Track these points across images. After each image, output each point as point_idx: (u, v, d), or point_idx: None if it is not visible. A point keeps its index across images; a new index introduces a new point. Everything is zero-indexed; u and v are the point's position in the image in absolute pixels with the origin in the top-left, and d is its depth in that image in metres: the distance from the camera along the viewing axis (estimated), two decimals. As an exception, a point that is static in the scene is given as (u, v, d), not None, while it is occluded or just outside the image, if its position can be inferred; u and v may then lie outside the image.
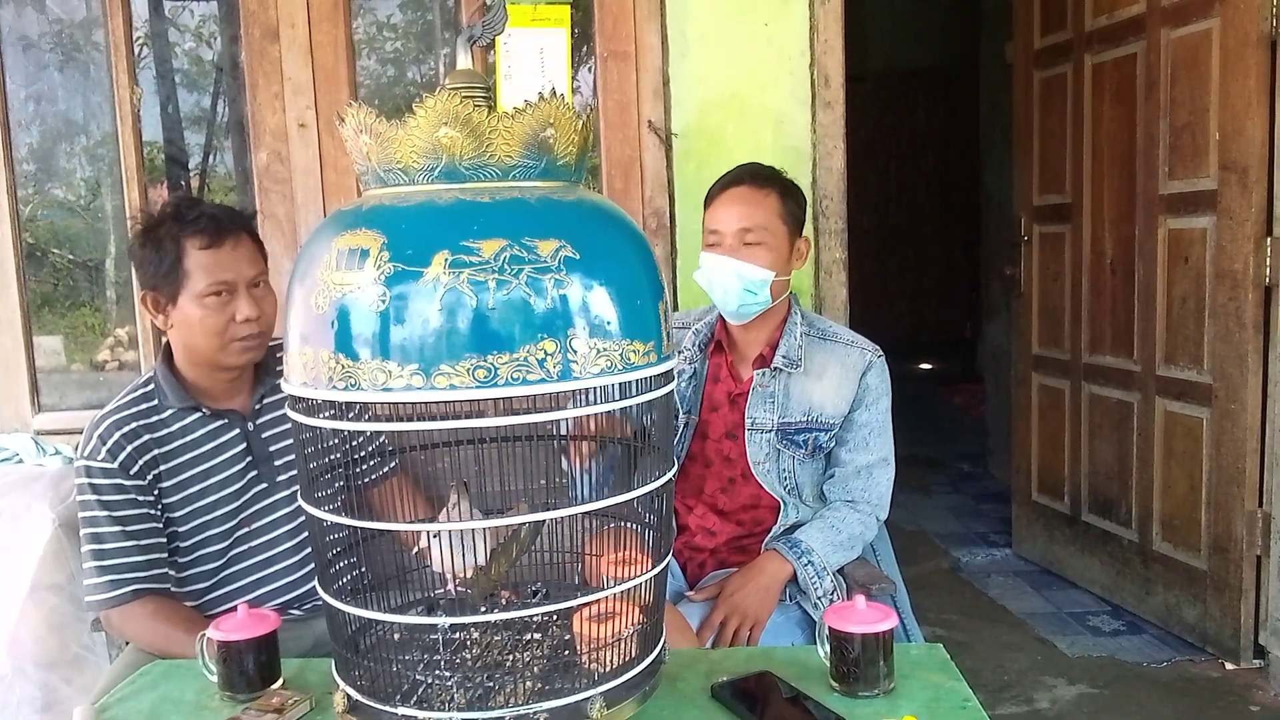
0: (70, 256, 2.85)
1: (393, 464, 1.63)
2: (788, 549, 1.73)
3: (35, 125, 2.73)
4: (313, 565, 1.66)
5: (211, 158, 3.11)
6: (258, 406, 1.71)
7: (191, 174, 3.08)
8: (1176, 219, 2.84)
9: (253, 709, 1.20)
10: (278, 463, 1.70)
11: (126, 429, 1.61)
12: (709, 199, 1.83)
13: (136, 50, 2.61)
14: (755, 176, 1.81)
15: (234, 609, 1.29)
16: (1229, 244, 2.64)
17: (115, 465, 1.59)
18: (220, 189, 3.07)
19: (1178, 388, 2.87)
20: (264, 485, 1.70)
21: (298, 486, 1.65)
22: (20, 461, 2.33)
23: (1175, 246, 2.85)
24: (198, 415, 1.66)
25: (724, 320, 1.86)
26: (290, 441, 1.63)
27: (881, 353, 1.85)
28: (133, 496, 1.60)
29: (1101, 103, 3.12)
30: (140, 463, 1.61)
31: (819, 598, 1.71)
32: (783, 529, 1.80)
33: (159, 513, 1.63)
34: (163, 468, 1.63)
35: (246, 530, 1.69)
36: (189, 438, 1.65)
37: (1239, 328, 2.63)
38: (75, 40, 2.73)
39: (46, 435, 2.46)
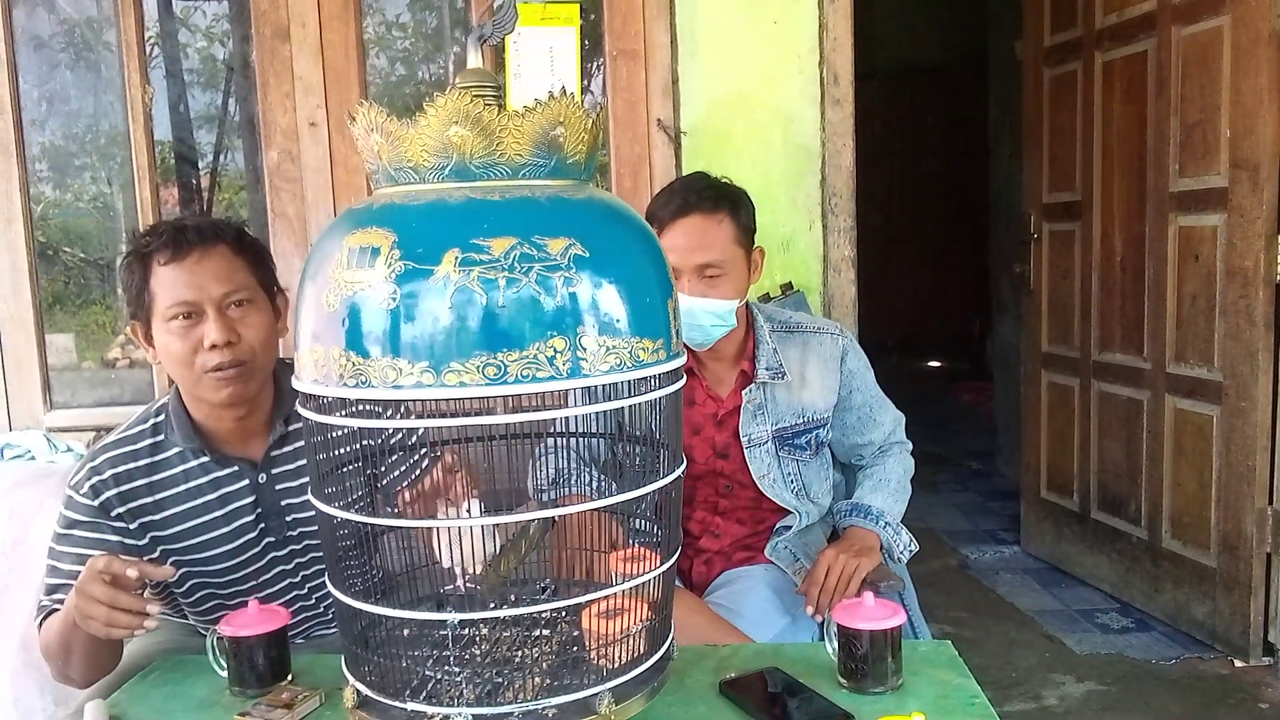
0: (81, 255, 2.87)
1: (426, 462, 1.55)
2: (863, 519, 1.79)
3: (47, 124, 2.75)
4: (320, 605, 1.61)
5: (222, 157, 3.13)
6: (273, 455, 1.52)
7: (202, 173, 3.09)
8: (1187, 216, 2.83)
9: (263, 704, 1.21)
10: (289, 517, 1.54)
11: (120, 469, 1.48)
12: (661, 222, 1.68)
13: (148, 49, 2.62)
14: (703, 199, 1.68)
15: (244, 605, 1.30)
16: (1240, 241, 2.63)
17: (95, 504, 1.47)
18: (231, 188, 3.09)
19: (1188, 385, 2.86)
20: (272, 539, 1.53)
21: (307, 542, 1.54)
22: (33, 459, 2.34)
23: (1185, 244, 2.84)
24: (203, 460, 1.50)
25: (687, 345, 1.83)
26: (304, 498, 1.48)
27: (845, 330, 1.91)
28: (106, 537, 1.46)
29: (1112, 100, 3.11)
30: (122, 510, 1.47)
31: (900, 554, 1.78)
32: (794, 533, 1.81)
33: (136, 554, 1.46)
34: (155, 516, 1.49)
35: (253, 584, 1.54)
36: (190, 484, 1.50)
37: (1249, 325, 2.62)
38: (86, 40, 2.74)
39: (58, 433, 2.47)
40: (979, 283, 5.83)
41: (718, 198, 1.70)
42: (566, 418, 1.15)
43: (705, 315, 1.68)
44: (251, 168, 2.83)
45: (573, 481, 1.65)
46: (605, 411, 0.98)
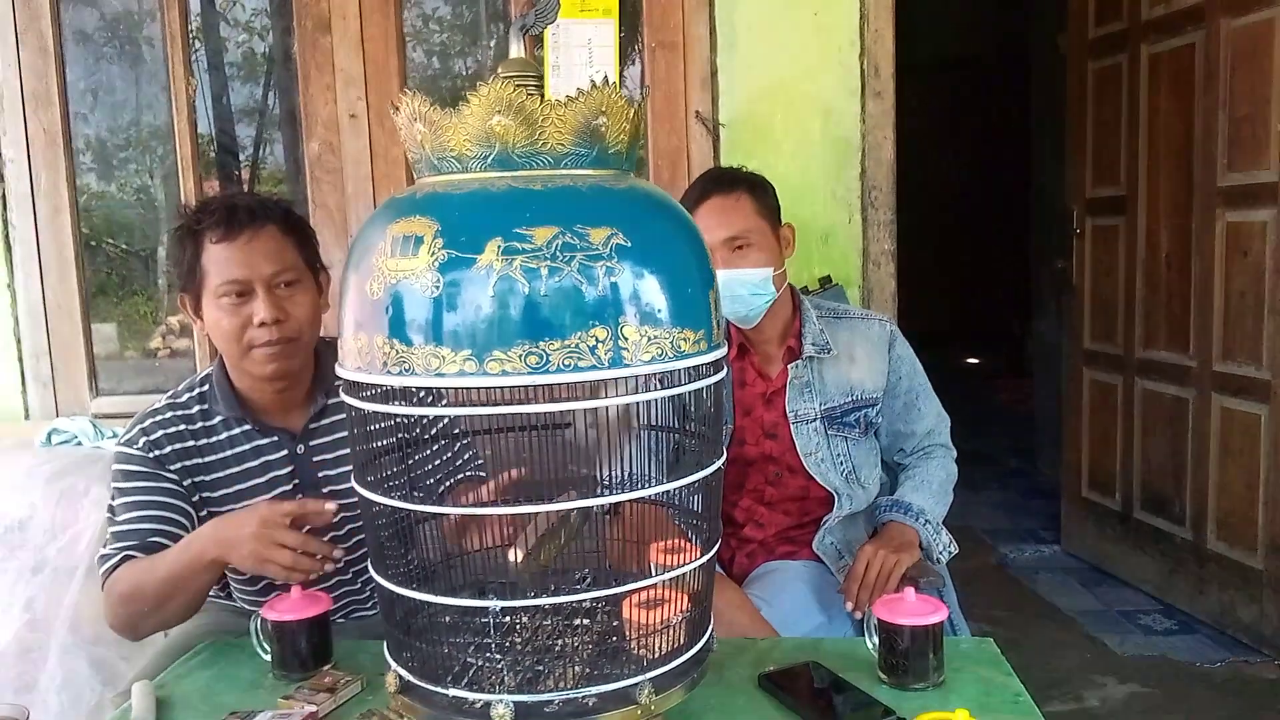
0: (124, 246, 2.91)
1: (476, 465, 1.52)
2: (903, 514, 1.79)
3: (92, 117, 2.79)
4: (358, 580, 1.62)
5: (263, 149, 3.16)
6: (311, 427, 1.56)
7: (243, 165, 3.13)
8: (1235, 212, 2.77)
9: (305, 688, 1.22)
10: (325, 490, 1.55)
11: (173, 429, 1.52)
12: None
13: (190, 43, 2.65)
14: (719, 183, 1.78)
15: (287, 590, 1.31)
16: (1290, 237, 2.58)
17: (150, 456, 1.49)
18: (271, 180, 3.12)
19: (1235, 384, 2.81)
20: None
21: (344, 514, 1.47)
22: (79, 444, 2.38)
23: (1234, 240, 2.79)
24: (245, 429, 1.54)
25: (736, 324, 1.85)
26: (343, 469, 1.52)
27: (893, 320, 1.93)
28: (165, 485, 1.49)
29: (1158, 94, 3.06)
30: (177, 465, 1.50)
31: (939, 555, 1.79)
32: (836, 520, 1.80)
33: (190, 510, 1.50)
34: (205, 477, 1.52)
35: None
36: (234, 450, 1.54)
37: (1300, 323, 2.57)
38: (130, 34, 2.78)
39: (104, 419, 2.51)
40: (1019, 278, 5.76)
41: (733, 180, 1.79)
42: (608, 408, 1.15)
43: (739, 285, 1.72)
44: (292, 159, 2.86)
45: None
46: (649, 402, 0.98)
